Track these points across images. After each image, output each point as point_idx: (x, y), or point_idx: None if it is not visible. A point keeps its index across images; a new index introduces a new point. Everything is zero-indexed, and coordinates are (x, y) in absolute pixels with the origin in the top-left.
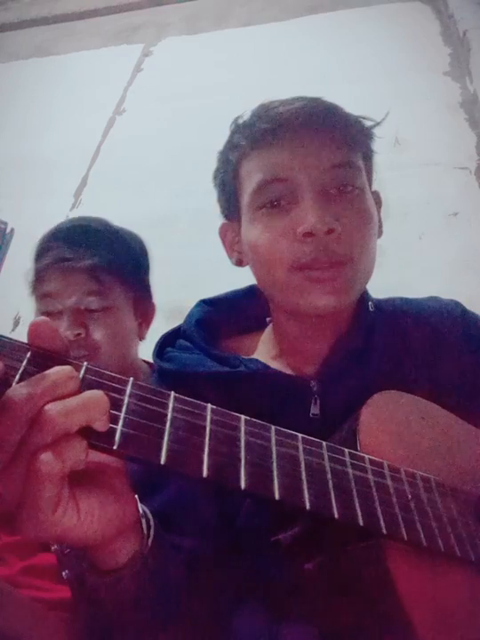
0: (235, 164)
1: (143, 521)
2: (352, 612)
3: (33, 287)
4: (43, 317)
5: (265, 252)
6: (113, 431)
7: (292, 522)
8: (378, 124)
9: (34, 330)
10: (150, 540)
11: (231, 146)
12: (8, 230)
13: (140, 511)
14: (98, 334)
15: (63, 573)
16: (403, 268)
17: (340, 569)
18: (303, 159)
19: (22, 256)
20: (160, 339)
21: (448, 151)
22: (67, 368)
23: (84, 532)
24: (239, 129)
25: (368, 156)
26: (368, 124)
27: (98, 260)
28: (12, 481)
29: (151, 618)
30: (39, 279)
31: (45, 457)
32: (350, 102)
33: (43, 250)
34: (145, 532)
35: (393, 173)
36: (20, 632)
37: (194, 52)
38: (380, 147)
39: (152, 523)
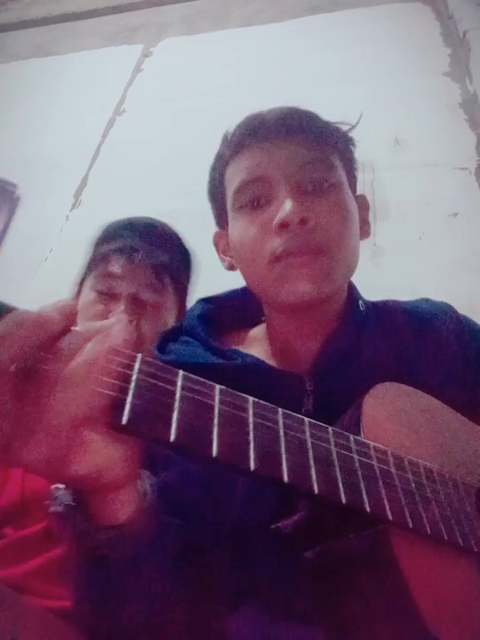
0: (220, 172)
1: (140, 482)
2: (353, 602)
3: (93, 265)
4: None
5: (246, 249)
6: (122, 406)
7: (293, 509)
8: (353, 127)
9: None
10: (148, 500)
11: (217, 157)
12: (16, 194)
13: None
14: (146, 327)
15: (64, 536)
16: (403, 268)
17: (342, 556)
18: (279, 158)
19: (23, 256)
20: (161, 334)
21: (448, 151)
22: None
23: (105, 455)
24: (224, 141)
25: (347, 159)
26: (344, 128)
27: (164, 259)
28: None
29: (147, 584)
30: (104, 259)
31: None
32: (350, 102)
33: (113, 235)
34: (142, 491)
35: (393, 173)
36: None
37: (194, 52)
38: (380, 147)
39: (149, 483)
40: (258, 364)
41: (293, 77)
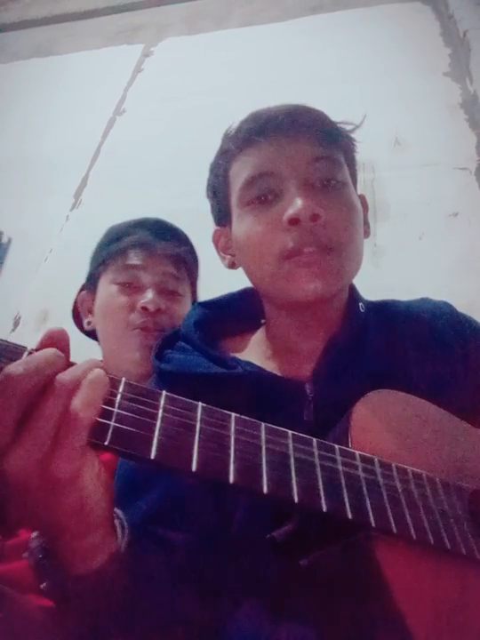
0: (224, 168)
1: (117, 523)
2: (348, 609)
3: (108, 262)
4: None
5: (254, 245)
6: (105, 427)
7: (286, 519)
8: (357, 126)
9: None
10: (125, 542)
11: (221, 153)
12: (4, 239)
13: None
14: (175, 314)
15: (41, 586)
16: (403, 268)
17: (333, 564)
18: (287, 153)
19: (23, 256)
20: (159, 341)
21: (448, 151)
22: (51, 349)
23: (88, 486)
24: (228, 137)
25: (350, 158)
26: (348, 127)
27: (180, 251)
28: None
29: (135, 620)
30: (122, 254)
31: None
32: (350, 102)
33: (124, 233)
34: (119, 533)
35: (393, 173)
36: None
37: (194, 52)
38: (380, 147)
39: (126, 524)
40: (259, 373)
41: (294, 77)
